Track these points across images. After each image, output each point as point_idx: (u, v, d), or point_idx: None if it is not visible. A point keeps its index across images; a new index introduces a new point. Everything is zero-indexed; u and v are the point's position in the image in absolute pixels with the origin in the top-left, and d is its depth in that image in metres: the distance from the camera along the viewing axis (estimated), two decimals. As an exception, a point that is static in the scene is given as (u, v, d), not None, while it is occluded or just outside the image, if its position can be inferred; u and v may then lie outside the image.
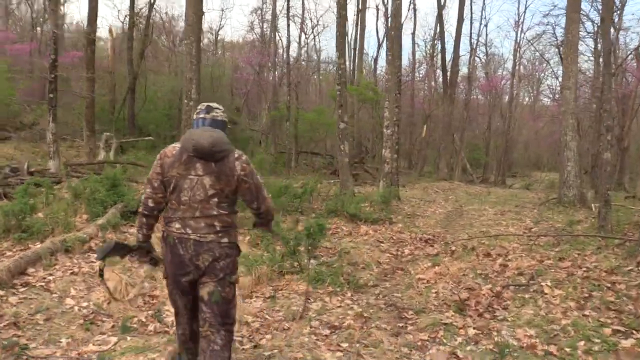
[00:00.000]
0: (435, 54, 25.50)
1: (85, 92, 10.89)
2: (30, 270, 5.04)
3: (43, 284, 4.85)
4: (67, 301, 4.58)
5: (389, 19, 12.90)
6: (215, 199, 2.74)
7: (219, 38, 35.07)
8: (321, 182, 14.59)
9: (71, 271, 5.23)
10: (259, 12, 29.34)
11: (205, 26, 31.22)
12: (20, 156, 11.38)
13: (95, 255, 3.11)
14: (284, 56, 21.74)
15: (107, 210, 7.23)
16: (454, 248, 7.08)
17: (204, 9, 28.67)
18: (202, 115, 2.87)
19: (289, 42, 19.08)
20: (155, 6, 17.82)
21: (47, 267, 5.18)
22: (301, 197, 9.31)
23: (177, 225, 2.74)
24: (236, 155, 2.78)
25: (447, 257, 6.67)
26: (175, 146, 2.82)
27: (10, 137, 14.03)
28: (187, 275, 2.76)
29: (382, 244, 7.52)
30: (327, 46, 63.01)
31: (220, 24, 42.81)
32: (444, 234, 8.41)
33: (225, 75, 20.75)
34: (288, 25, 18.62)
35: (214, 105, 2.94)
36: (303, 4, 18.49)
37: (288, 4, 18.25)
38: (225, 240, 2.77)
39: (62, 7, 29.19)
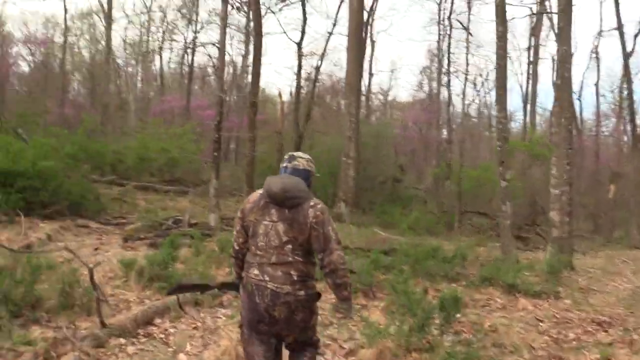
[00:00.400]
0: (622, 105, 22.67)
1: (247, 151, 11.54)
2: (157, 320, 5.13)
3: (163, 336, 4.87)
4: (179, 357, 4.51)
5: (556, 67, 11.69)
6: (290, 246, 2.76)
7: (388, 98, 35.78)
8: (484, 245, 13.42)
9: (194, 325, 5.21)
10: (427, 70, 29.29)
11: (375, 87, 32.17)
12: (189, 209, 12.36)
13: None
14: (451, 113, 21.14)
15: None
16: (635, 337, 5.67)
17: (373, 71, 29.57)
18: (284, 164, 2.98)
19: (449, 98, 18.49)
20: (322, 70, 18.80)
21: (174, 320, 5.24)
22: (451, 261, 8.48)
23: (255, 272, 2.80)
24: (311, 204, 2.79)
25: (624, 348, 5.33)
26: (258, 192, 2.95)
27: (188, 192, 15.45)
28: (263, 324, 2.80)
29: (541, 324, 6.36)
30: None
31: (390, 85, 43.96)
32: (626, 316, 6.87)
33: (389, 133, 20.77)
34: (448, 81, 18.11)
35: (297, 154, 3.05)
36: (467, 59, 17.75)
37: (448, 60, 17.89)
38: (302, 293, 2.75)
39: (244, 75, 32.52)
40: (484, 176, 16.58)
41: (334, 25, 18.67)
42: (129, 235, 8.74)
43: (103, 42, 26.65)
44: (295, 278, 2.76)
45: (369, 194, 18.80)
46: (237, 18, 27.90)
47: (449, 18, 18.55)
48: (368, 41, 22.27)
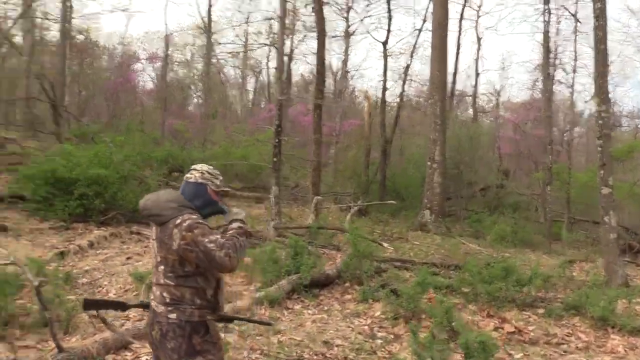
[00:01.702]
0: None
1: (312, 156, 10.87)
2: (135, 345, 4.58)
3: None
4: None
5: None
6: (162, 267, 2.59)
7: (500, 99, 33.29)
8: (592, 262, 11.48)
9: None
10: (539, 67, 26.63)
11: (482, 88, 30.03)
12: (260, 217, 11.92)
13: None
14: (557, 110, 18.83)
15: (280, 280, 6.58)
16: None
17: (479, 70, 27.58)
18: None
19: (550, 96, 16.37)
20: (410, 69, 17.64)
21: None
22: (528, 283, 7.05)
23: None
24: (177, 222, 2.52)
25: None
26: None
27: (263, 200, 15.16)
28: (152, 344, 2.68)
29: (632, 374, 4.89)
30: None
31: (501, 84, 41.01)
32: None
33: (486, 135, 19.00)
34: (548, 74, 15.99)
35: (196, 166, 2.82)
36: (575, 50, 15.60)
37: (555, 56, 15.80)
38: (174, 316, 2.55)
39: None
40: (593, 180, 14.34)
41: (424, 21, 17.39)
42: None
43: (211, 56, 27.53)
44: (167, 300, 2.58)
45: (463, 201, 17.25)
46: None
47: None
48: (474, 39, 20.68)
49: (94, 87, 29.74)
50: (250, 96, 39.39)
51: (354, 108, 31.03)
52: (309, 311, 6.12)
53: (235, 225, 2.68)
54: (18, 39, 21.42)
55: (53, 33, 27.60)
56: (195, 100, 36.07)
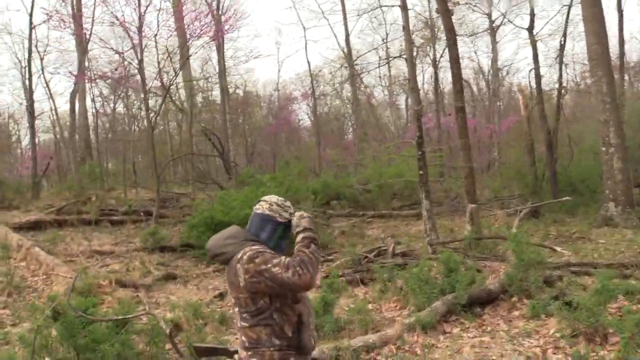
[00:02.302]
0: None
1: (461, 162, 10.10)
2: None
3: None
4: None
5: None
6: (237, 308, 2.46)
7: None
8: None
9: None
10: None
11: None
12: (392, 236, 11.40)
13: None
14: None
15: (433, 301, 6.02)
16: None
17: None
18: None
19: None
20: (567, 50, 15.78)
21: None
22: None
23: None
24: (239, 256, 2.38)
25: None
26: None
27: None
28: None
29: None
30: None
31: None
32: None
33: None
34: None
35: (265, 197, 2.64)
36: None
37: None
38: None
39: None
40: None
41: (573, -6, 15.52)
42: (328, 273, 8.30)
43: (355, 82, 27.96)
44: (246, 344, 2.42)
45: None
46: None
47: None
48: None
49: (256, 134, 32.09)
50: (404, 114, 39.16)
51: (514, 105, 28.87)
52: (469, 334, 5.45)
53: (299, 237, 2.42)
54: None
55: (214, 93, 30.71)
56: (351, 129, 36.90)
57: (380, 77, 33.85)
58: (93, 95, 23.99)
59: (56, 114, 25.14)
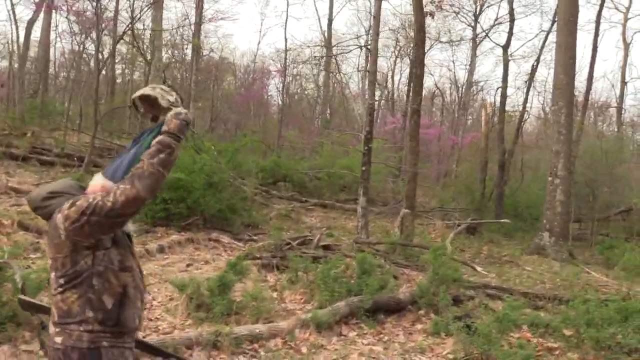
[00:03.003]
0: None
1: (408, 166, 9.92)
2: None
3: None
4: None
5: None
6: (53, 273, 2.09)
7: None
8: None
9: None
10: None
11: (631, 99, 26.44)
12: (321, 228, 11.21)
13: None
14: None
15: (338, 300, 5.78)
16: None
17: (627, 78, 24.37)
18: None
19: None
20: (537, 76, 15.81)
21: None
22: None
23: None
24: (62, 206, 2.03)
25: None
26: None
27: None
28: None
29: None
30: None
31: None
32: None
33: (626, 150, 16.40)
34: None
35: None
36: None
37: None
38: (59, 340, 2.03)
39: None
40: None
41: (553, 22, 15.51)
42: (248, 253, 8.00)
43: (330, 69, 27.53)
44: (56, 319, 2.06)
45: (595, 224, 14.95)
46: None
47: None
48: (620, 44, 18.03)
49: (224, 102, 31.34)
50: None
51: (480, 121, 29.09)
52: (364, 340, 5.23)
53: (154, 141, 2.04)
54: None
55: (188, 52, 29.75)
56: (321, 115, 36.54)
57: (358, 69, 33.55)
58: (59, 30, 22.84)
59: (17, 41, 23.82)
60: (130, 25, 14.10)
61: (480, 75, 36.67)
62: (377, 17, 9.25)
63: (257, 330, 4.75)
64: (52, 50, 26.08)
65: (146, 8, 14.46)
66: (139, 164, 1.97)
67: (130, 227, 2.23)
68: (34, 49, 23.43)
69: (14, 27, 21.41)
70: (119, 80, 31.11)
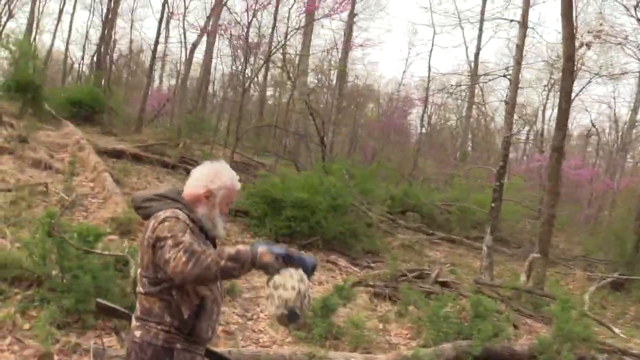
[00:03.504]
0: None
1: (545, 207, 9.13)
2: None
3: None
4: None
5: None
6: (140, 270, 2.23)
7: None
8: None
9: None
10: None
11: None
12: (460, 264, 10.64)
13: None
14: None
15: (446, 342, 5.45)
16: None
17: None
18: None
19: None
20: None
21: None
22: None
23: None
24: (159, 214, 2.15)
25: None
26: None
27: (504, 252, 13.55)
28: None
29: None
30: None
31: None
32: None
33: None
34: None
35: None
36: None
37: None
38: (138, 334, 2.15)
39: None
40: None
41: None
42: (362, 279, 7.93)
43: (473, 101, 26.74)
44: (138, 313, 2.20)
45: None
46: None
47: None
48: None
49: (365, 128, 31.92)
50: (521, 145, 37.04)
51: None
52: (466, 390, 4.85)
53: (242, 248, 2.03)
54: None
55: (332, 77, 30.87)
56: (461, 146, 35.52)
57: (505, 101, 32.06)
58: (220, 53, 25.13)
59: (183, 63, 26.66)
60: (275, 49, 14.95)
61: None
62: (520, 46, 8.75)
63: (353, 359, 4.63)
64: (212, 71, 28.86)
65: (292, 32, 15.23)
66: (214, 254, 1.97)
67: (220, 231, 2.30)
68: (198, 69, 26.03)
69: (182, 50, 24.11)
70: (270, 102, 33.28)
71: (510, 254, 13.60)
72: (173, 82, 35.23)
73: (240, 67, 27.15)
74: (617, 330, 7.22)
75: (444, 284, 8.13)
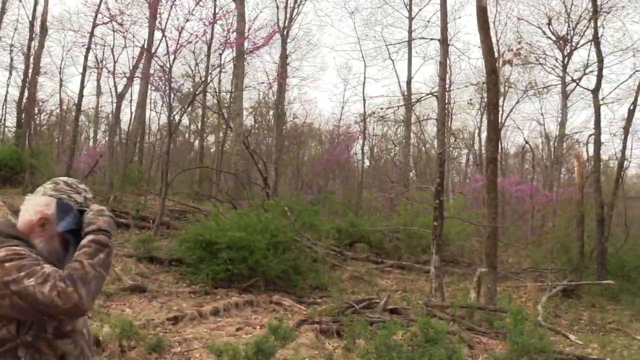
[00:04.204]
0: None
1: (487, 220, 8.98)
2: None
3: None
4: None
5: None
6: None
7: None
8: None
9: None
10: None
11: None
12: (412, 290, 10.34)
13: None
14: None
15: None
16: None
17: None
18: None
19: None
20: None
21: None
22: None
23: None
24: None
25: None
26: None
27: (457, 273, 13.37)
28: None
29: None
30: None
31: None
32: None
33: None
34: None
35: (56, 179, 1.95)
36: None
37: None
38: None
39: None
40: None
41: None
42: (308, 317, 7.41)
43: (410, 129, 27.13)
44: None
45: None
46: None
47: None
48: None
49: (309, 166, 31.77)
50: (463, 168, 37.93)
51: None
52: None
53: (86, 239, 1.73)
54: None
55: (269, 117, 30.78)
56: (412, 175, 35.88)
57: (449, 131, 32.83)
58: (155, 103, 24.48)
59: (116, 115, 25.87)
60: (200, 88, 14.58)
61: (573, 127, 34.62)
62: (442, 62, 8.76)
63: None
64: (149, 122, 28.16)
65: (215, 69, 14.95)
66: (77, 264, 1.63)
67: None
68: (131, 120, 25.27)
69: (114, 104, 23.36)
70: (212, 149, 32.71)
71: (461, 273, 13.43)
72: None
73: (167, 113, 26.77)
74: (573, 337, 6.99)
75: (393, 311, 7.73)
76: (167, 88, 11.81)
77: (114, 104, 20.23)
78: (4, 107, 26.85)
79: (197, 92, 14.41)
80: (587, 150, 19.01)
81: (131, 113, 23.94)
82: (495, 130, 8.89)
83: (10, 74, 24.71)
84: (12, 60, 25.20)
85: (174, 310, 7.30)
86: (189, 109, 16.15)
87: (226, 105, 23.59)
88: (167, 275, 9.21)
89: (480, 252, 15.57)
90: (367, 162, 35.20)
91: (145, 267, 9.45)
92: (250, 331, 6.55)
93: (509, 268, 14.92)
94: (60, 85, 27.06)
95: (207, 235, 8.84)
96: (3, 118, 27.76)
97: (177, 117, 15.05)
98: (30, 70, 19.61)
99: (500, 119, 25.80)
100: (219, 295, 8.35)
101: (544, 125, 30.93)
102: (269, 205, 12.15)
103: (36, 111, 26.39)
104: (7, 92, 26.27)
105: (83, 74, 17.20)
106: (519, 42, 17.74)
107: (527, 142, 32.51)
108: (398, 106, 13.71)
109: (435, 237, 8.55)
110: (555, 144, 28.99)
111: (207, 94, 25.30)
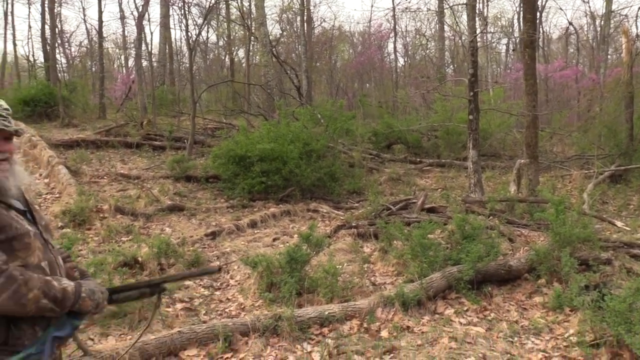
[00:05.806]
0: None
1: (526, 108, 8.47)
2: (189, 352, 3.62)
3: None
4: None
5: None
6: None
7: None
8: None
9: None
10: None
11: None
12: (453, 187, 10.13)
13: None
14: None
15: (435, 272, 4.91)
16: None
17: None
18: None
19: None
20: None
21: (217, 354, 3.62)
22: None
23: None
24: None
25: None
26: None
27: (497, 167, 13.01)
28: None
29: None
30: None
31: None
32: None
33: None
34: None
35: None
36: None
37: None
38: None
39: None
40: None
41: None
42: (345, 222, 7.38)
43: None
44: None
45: None
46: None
47: None
48: None
49: (342, 71, 30.86)
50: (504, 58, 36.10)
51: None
52: (462, 319, 4.33)
53: (61, 288, 1.70)
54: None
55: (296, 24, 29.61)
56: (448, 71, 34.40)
57: (482, 17, 30.85)
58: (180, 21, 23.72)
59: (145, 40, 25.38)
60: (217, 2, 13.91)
61: (622, 2, 31.90)
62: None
63: (327, 312, 4.10)
64: (177, 43, 27.62)
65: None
66: (17, 273, 1.60)
67: (11, 191, 1.75)
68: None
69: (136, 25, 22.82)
70: (244, 64, 32.11)
71: (503, 166, 13.06)
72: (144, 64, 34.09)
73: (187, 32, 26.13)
74: (619, 224, 6.71)
75: (431, 210, 7.59)
76: (182, 2, 11.25)
77: (137, 27, 19.71)
78: (29, 43, 26.81)
79: (216, 2, 13.75)
80: (636, 26, 17.48)
81: (151, 34, 23.36)
82: (531, 8, 8.13)
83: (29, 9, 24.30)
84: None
85: (212, 225, 7.40)
86: (210, 22, 15.48)
87: (248, 16, 22.75)
88: (204, 193, 9.30)
89: (522, 143, 15.07)
90: (401, 61, 34.01)
91: (183, 186, 9.56)
92: (287, 240, 6.57)
93: (553, 157, 14.42)
94: (84, 15, 26.60)
95: (238, 150, 8.75)
96: (32, 54, 27.78)
97: (194, 33, 14.47)
98: (47, 1, 19.23)
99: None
100: (256, 208, 8.40)
101: (588, 2, 28.63)
102: (300, 113, 11.88)
103: (65, 43, 26.27)
104: (29, 26, 25.93)
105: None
106: None
107: (570, 23, 30.33)
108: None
109: (471, 131, 8.16)
110: (602, 22, 26.90)
111: (230, 5, 24.50)
